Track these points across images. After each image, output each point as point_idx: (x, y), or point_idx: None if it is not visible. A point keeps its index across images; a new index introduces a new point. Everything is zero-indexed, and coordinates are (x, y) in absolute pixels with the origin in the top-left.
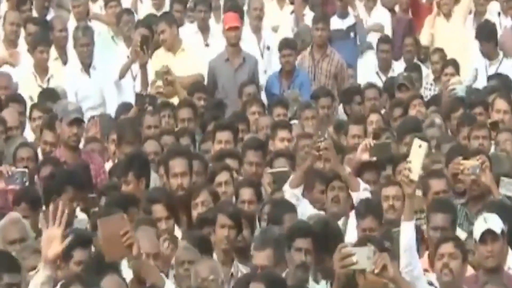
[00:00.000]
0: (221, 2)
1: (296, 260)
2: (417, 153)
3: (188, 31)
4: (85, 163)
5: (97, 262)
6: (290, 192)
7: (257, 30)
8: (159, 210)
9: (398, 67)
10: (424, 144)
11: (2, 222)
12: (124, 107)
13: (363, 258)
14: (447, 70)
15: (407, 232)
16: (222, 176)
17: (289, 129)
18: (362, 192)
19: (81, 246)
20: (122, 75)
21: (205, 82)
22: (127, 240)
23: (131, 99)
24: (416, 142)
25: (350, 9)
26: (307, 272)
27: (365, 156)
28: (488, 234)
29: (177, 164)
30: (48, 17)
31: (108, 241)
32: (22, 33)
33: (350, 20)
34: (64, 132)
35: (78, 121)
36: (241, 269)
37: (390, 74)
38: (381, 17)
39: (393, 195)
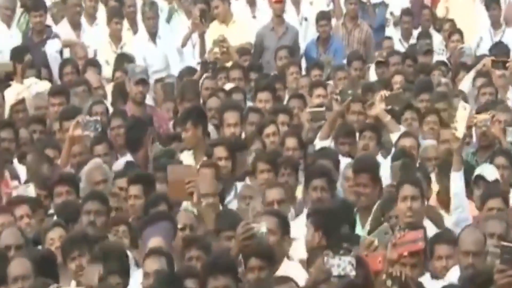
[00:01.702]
0: None
1: (313, 197)
2: (462, 114)
3: (238, 5)
4: (149, 115)
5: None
6: (320, 144)
7: (296, 3)
8: (220, 151)
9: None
10: (468, 107)
11: (87, 167)
12: (186, 70)
13: None
14: (453, 37)
15: (456, 181)
16: (270, 128)
17: (324, 87)
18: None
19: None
20: (183, 44)
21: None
22: (190, 188)
23: (191, 64)
24: (462, 104)
25: None
26: None
27: (382, 105)
28: (479, 179)
29: (231, 116)
30: None
31: (174, 185)
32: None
33: None
34: (132, 90)
35: (143, 81)
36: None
37: (411, 41)
38: None
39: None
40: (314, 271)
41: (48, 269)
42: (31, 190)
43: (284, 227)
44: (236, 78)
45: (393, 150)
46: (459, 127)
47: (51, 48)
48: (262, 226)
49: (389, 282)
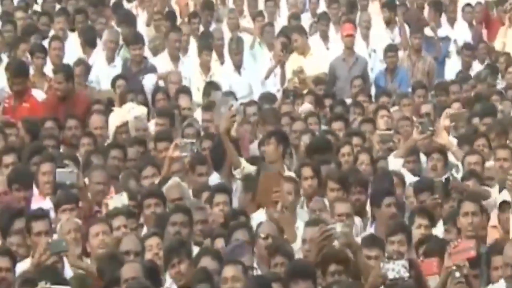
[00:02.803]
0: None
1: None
2: None
3: (314, 39)
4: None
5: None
6: (393, 161)
7: (365, 37)
8: (307, 171)
9: (476, 66)
10: None
11: (167, 185)
12: (266, 96)
13: None
14: (510, 69)
15: None
16: (345, 149)
17: (388, 110)
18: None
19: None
20: (267, 76)
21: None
22: (276, 198)
23: (272, 91)
24: None
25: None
26: None
27: (447, 122)
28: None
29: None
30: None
31: (262, 191)
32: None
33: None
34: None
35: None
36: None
37: (470, 72)
38: (462, 28)
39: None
40: (372, 277)
41: (154, 277)
42: (124, 199)
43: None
44: (312, 103)
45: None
46: None
47: (148, 82)
48: (338, 226)
49: (457, 274)
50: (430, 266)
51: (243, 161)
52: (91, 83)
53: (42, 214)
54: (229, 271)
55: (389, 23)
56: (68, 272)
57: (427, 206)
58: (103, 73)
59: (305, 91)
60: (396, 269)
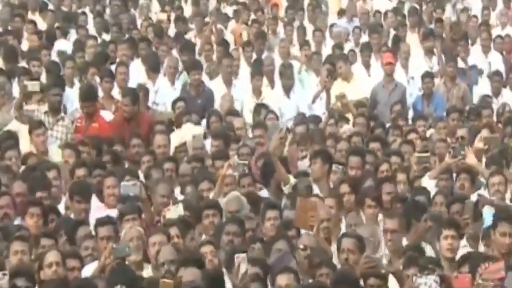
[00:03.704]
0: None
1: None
2: None
3: (357, 66)
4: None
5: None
6: (428, 182)
7: (405, 66)
8: (344, 187)
9: (506, 93)
10: None
11: (226, 198)
12: (312, 118)
13: None
14: None
15: None
16: (384, 166)
17: (416, 132)
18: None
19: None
20: (313, 101)
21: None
22: (312, 222)
23: (318, 113)
24: None
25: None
26: None
27: (480, 145)
28: None
29: (355, 160)
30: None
31: (300, 214)
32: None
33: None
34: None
35: None
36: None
37: (499, 98)
38: (495, 58)
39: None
40: None
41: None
42: (180, 210)
43: (360, 247)
44: (360, 124)
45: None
46: None
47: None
48: (380, 258)
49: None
50: (463, 282)
51: (291, 178)
52: (158, 105)
53: (108, 221)
54: (283, 279)
55: (429, 52)
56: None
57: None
58: (167, 96)
59: (347, 114)
60: (428, 283)
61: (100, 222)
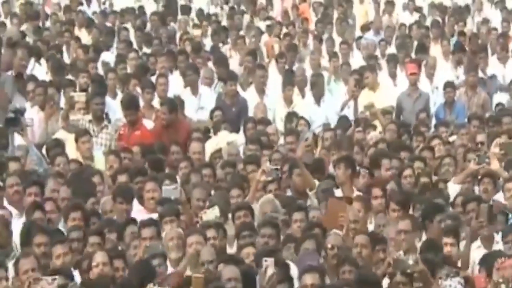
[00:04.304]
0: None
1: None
2: None
3: (383, 76)
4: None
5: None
6: (453, 186)
7: (430, 76)
8: (376, 191)
9: None
10: None
11: (260, 201)
12: (343, 121)
13: None
14: None
15: None
16: (407, 171)
17: (440, 138)
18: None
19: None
20: (342, 109)
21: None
22: (342, 222)
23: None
24: None
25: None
26: None
27: (496, 149)
28: None
29: (386, 162)
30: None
31: (330, 214)
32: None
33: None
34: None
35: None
36: None
37: None
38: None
39: None
40: None
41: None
42: (216, 212)
43: (374, 242)
44: (391, 130)
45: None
46: None
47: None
48: (409, 260)
49: (503, 286)
50: (480, 280)
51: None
52: (203, 109)
53: (151, 222)
54: (308, 278)
55: (457, 64)
56: None
57: (473, 227)
58: (209, 100)
59: (376, 121)
60: (453, 285)
61: (144, 224)
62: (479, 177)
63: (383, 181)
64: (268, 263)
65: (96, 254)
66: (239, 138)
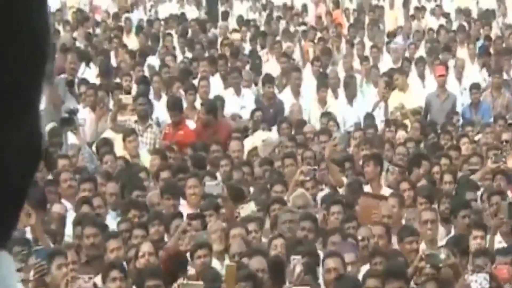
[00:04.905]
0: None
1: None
2: None
3: (412, 77)
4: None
5: None
6: None
7: (459, 78)
8: (404, 185)
9: None
10: None
11: (294, 194)
12: (369, 120)
13: None
14: None
15: None
16: (435, 168)
17: (468, 138)
18: None
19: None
20: (373, 109)
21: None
22: (375, 217)
23: (377, 121)
24: None
25: None
26: None
27: None
28: None
29: (426, 164)
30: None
31: (362, 212)
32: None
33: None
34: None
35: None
36: None
37: None
38: None
39: None
40: (458, 286)
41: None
42: (252, 206)
43: (388, 233)
44: (415, 128)
45: None
46: None
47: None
48: (441, 254)
49: None
50: (502, 272)
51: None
52: (245, 107)
53: (197, 215)
54: (331, 262)
55: (485, 66)
56: None
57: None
58: (250, 100)
59: (405, 121)
60: (478, 280)
61: (191, 217)
62: (494, 174)
63: (414, 178)
64: (296, 261)
65: (143, 245)
66: (273, 136)
